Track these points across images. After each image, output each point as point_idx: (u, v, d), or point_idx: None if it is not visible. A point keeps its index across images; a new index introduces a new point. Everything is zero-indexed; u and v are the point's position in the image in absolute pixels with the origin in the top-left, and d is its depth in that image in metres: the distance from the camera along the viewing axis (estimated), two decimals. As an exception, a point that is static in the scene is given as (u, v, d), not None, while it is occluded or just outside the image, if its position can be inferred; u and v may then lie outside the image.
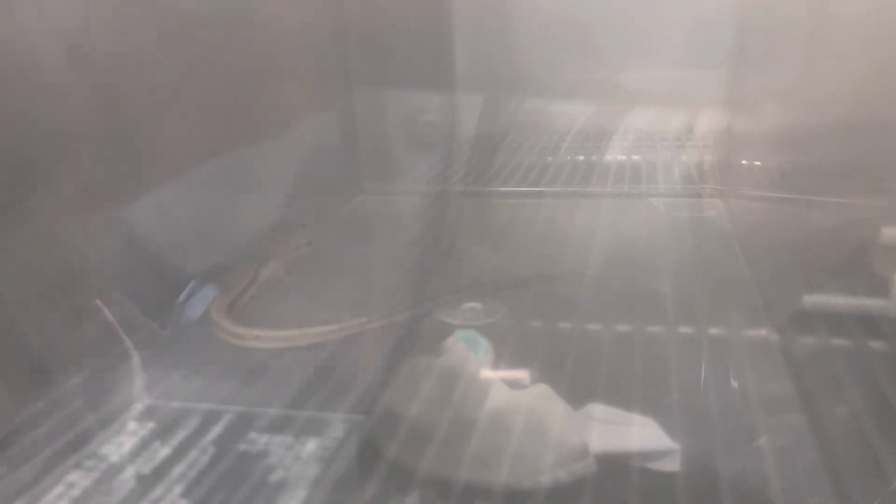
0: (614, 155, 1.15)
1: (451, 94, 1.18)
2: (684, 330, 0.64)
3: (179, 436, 0.53)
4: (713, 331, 0.64)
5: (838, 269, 0.70)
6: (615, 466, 0.48)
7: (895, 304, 0.62)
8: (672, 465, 0.48)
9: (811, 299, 0.66)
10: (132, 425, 0.55)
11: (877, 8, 0.78)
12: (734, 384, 0.57)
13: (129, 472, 0.50)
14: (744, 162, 1.02)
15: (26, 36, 0.54)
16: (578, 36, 1.13)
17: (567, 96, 1.18)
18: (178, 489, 0.48)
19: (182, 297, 0.72)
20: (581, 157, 1.15)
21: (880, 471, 0.46)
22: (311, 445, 0.51)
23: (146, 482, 0.49)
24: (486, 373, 0.59)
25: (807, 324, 0.63)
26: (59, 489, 0.48)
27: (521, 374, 0.58)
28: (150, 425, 0.55)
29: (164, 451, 0.52)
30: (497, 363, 0.61)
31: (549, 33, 1.15)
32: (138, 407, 0.57)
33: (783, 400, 0.54)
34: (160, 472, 0.50)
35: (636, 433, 0.51)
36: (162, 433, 0.54)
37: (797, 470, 0.47)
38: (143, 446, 0.52)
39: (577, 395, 0.54)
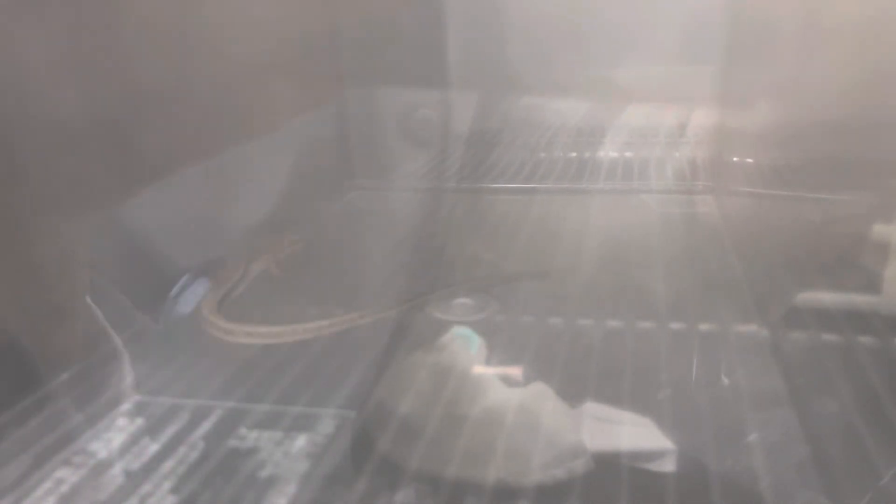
0: (607, 151, 1.15)
1: (445, 91, 1.18)
2: (675, 326, 0.64)
3: (169, 432, 0.53)
4: (704, 327, 0.64)
5: (829, 265, 0.70)
6: (611, 465, 0.48)
7: (885, 299, 0.62)
8: (668, 466, 0.48)
9: (802, 295, 0.66)
10: (121, 421, 0.55)
11: (868, 8, 0.78)
12: (725, 380, 0.57)
13: (118, 469, 0.49)
14: (735, 159, 1.02)
15: (19, 36, 0.54)
16: (571, 33, 1.12)
17: (560, 93, 1.18)
18: (167, 485, 0.48)
19: (174, 291, 0.71)
20: (574, 154, 1.15)
21: (870, 466, 0.46)
22: (300, 441, 0.51)
23: (135, 478, 0.48)
24: (481, 369, 0.59)
25: (797, 319, 0.63)
26: (47, 485, 0.48)
27: (516, 371, 0.58)
28: (140, 421, 0.54)
29: (153, 448, 0.51)
30: (489, 358, 0.61)
31: (541, 30, 1.15)
32: (127, 403, 0.57)
33: (773, 396, 0.54)
34: (149, 468, 0.49)
35: (632, 432, 0.51)
36: (151, 429, 0.53)
37: (787, 465, 0.47)
38: (132, 442, 0.52)
39: (569, 390, 0.54)
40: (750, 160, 1.01)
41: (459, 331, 0.64)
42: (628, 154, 1.14)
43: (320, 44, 1.05)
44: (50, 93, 0.57)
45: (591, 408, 0.53)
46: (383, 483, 0.47)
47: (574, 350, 0.62)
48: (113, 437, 0.53)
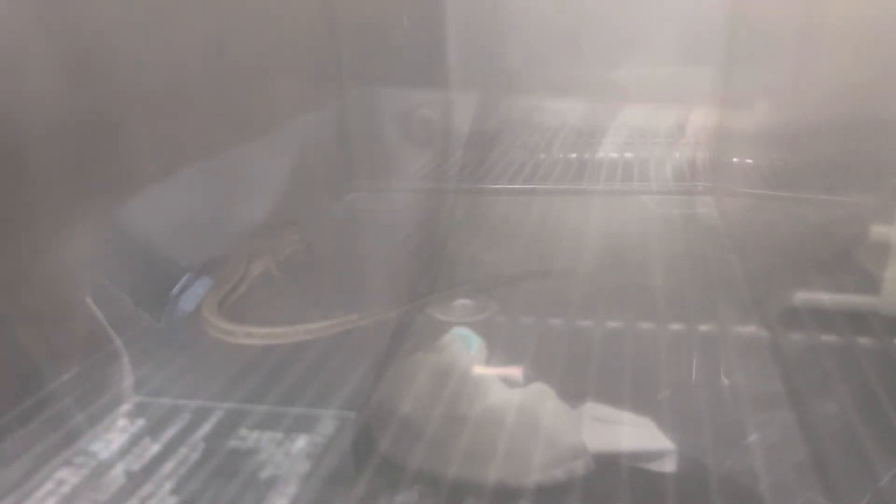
0: (606, 152, 1.15)
1: (445, 92, 1.18)
2: (675, 326, 0.64)
3: (169, 433, 0.53)
4: (704, 327, 0.64)
5: (828, 266, 0.70)
6: (611, 466, 0.48)
7: (884, 300, 0.62)
8: (668, 466, 0.48)
9: (801, 296, 0.66)
10: (122, 422, 0.55)
11: (867, 9, 0.78)
12: (724, 381, 0.57)
13: (119, 469, 0.49)
14: (735, 159, 1.02)
15: (13, 32, 0.54)
16: (571, 34, 1.13)
17: (560, 94, 1.18)
18: (167, 486, 0.48)
19: (175, 290, 0.71)
20: (573, 155, 1.15)
21: (869, 467, 0.46)
22: (301, 442, 0.51)
23: (136, 479, 0.48)
24: (482, 370, 0.59)
25: (796, 320, 0.63)
26: (48, 486, 0.48)
27: (516, 371, 0.58)
28: (140, 422, 0.55)
29: (153, 448, 0.51)
30: (489, 359, 0.61)
31: (541, 31, 1.15)
32: (128, 404, 0.57)
33: (773, 396, 0.54)
34: (150, 468, 0.49)
35: (632, 433, 0.51)
36: (152, 430, 0.53)
37: (787, 466, 0.47)
38: (132, 443, 0.52)
39: (569, 390, 0.54)
40: (749, 161, 1.01)
41: (459, 332, 0.64)
42: (628, 155, 1.14)
43: (320, 44, 1.05)
44: (50, 93, 0.57)
45: (591, 408, 0.53)
46: (384, 484, 0.47)
47: (574, 351, 0.62)
48: (114, 437, 0.53)
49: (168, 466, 0.50)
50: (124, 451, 0.51)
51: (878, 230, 0.67)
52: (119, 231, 0.66)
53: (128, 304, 0.65)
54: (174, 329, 0.69)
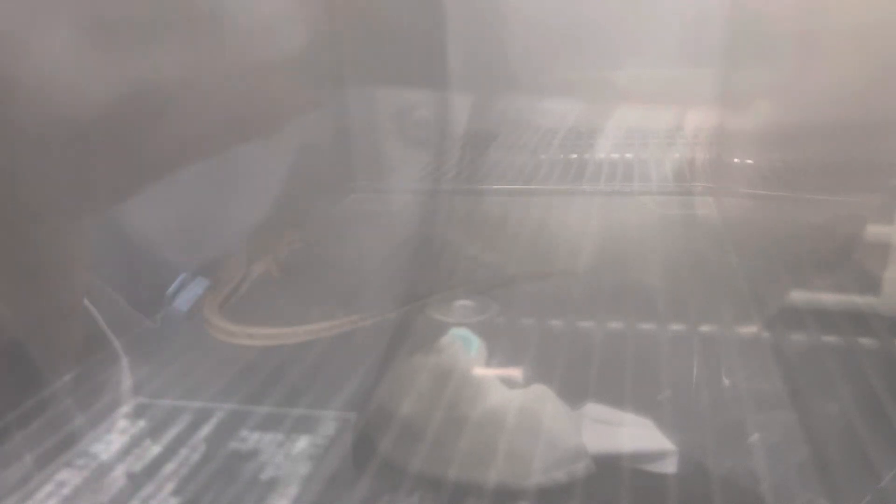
0: (606, 153, 1.15)
1: (444, 92, 1.18)
2: (675, 327, 0.64)
3: (170, 434, 0.53)
4: (704, 328, 0.64)
5: (828, 266, 0.70)
6: (612, 467, 0.48)
7: (884, 300, 0.62)
8: (669, 468, 0.48)
9: (801, 296, 0.66)
10: (123, 423, 0.55)
11: (867, 9, 0.78)
12: (725, 381, 0.57)
13: (120, 471, 0.49)
14: (735, 160, 1.02)
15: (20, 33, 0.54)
16: (570, 34, 1.13)
17: (559, 94, 1.18)
18: (168, 487, 0.48)
19: (171, 289, 0.71)
20: (573, 155, 1.15)
21: (870, 467, 0.46)
22: (302, 443, 0.51)
23: (137, 480, 0.49)
24: (481, 371, 0.59)
25: (797, 321, 0.63)
26: (49, 487, 0.48)
27: (516, 372, 0.58)
28: (141, 423, 0.55)
29: (154, 449, 0.51)
30: (489, 360, 0.61)
31: (541, 31, 1.15)
32: (129, 405, 0.57)
33: (774, 397, 0.54)
34: (151, 470, 0.49)
35: (633, 434, 0.51)
36: (153, 431, 0.53)
37: (788, 467, 0.47)
38: (133, 444, 0.52)
39: (569, 392, 0.54)
40: (750, 161, 1.01)
41: (459, 332, 0.64)
42: (628, 155, 1.14)
43: (320, 44, 1.05)
44: (50, 92, 0.57)
45: (591, 409, 0.53)
46: (384, 485, 0.47)
47: (574, 352, 0.62)
48: (114, 438, 0.53)
49: (169, 468, 0.50)
50: (125, 453, 0.51)
51: (878, 230, 0.67)
52: (118, 231, 0.66)
53: (123, 304, 0.65)
54: (171, 329, 0.69)
